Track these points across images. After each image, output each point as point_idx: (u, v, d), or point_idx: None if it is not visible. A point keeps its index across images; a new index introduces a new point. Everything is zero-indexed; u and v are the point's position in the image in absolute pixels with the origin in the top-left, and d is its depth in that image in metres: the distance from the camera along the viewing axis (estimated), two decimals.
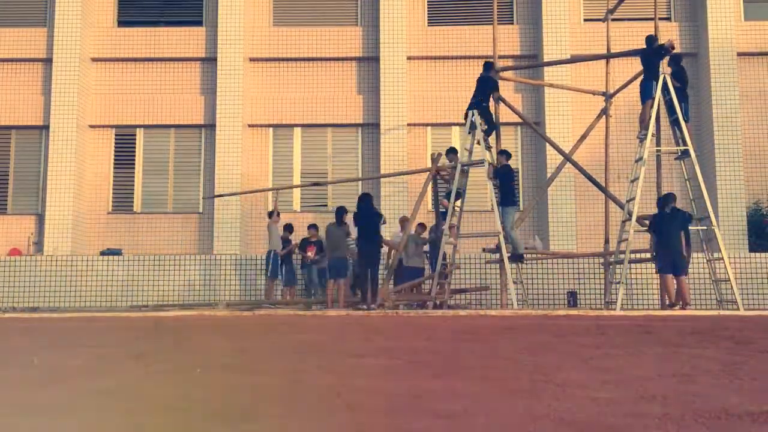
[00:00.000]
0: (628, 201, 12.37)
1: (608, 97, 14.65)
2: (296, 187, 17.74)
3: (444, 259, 13.02)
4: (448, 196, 13.32)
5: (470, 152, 13.40)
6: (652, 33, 13.23)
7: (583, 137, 14.57)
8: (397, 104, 17.92)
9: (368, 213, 12.43)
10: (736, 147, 17.27)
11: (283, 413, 2.76)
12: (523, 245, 12.81)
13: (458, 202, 13.37)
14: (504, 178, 12.78)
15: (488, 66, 13.54)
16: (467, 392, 3.18)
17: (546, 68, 17.37)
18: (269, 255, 14.22)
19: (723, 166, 17.17)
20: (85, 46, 18.45)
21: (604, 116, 14.79)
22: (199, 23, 19.03)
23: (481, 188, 16.22)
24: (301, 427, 2.53)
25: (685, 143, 12.21)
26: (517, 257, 12.52)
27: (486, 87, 13.36)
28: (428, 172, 14.01)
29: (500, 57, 16.00)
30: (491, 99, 13.65)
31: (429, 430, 2.48)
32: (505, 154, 13.19)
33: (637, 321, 7.74)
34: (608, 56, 14.91)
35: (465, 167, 13.23)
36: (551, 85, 16.27)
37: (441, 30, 18.71)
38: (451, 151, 13.82)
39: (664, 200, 12.07)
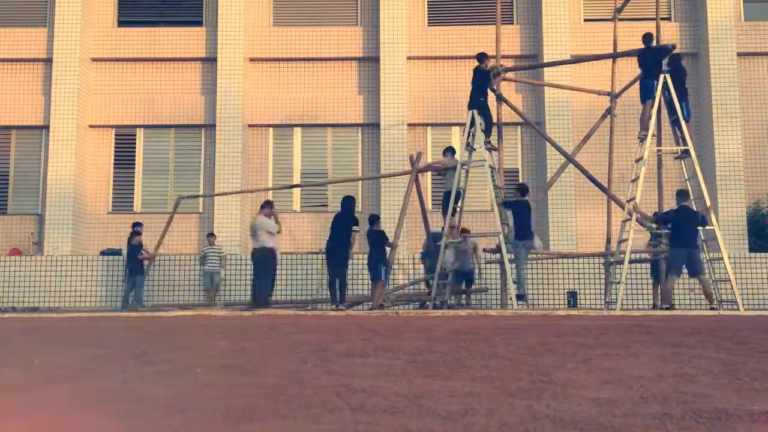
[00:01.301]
0: (628, 201, 12.37)
1: (613, 96, 14.60)
2: (289, 188, 17.71)
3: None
4: (447, 196, 13.29)
5: (470, 152, 13.38)
6: (656, 31, 13.18)
7: (587, 137, 14.54)
8: (397, 104, 17.92)
9: (346, 217, 12.29)
10: (736, 147, 17.28)
11: (283, 413, 2.76)
12: (525, 286, 12.40)
13: (458, 203, 13.33)
14: (515, 211, 12.55)
15: (482, 57, 13.42)
16: (467, 392, 3.18)
17: (546, 68, 17.36)
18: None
19: (723, 166, 17.17)
20: (85, 46, 18.45)
21: (608, 116, 14.73)
22: (199, 23, 19.03)
23: (481, 188, 16.23)
24: (301, 427, 2.53)
25: (685, 143, 12.20)
26: (519, 297, 11.99)
27: (485, 79, 13.25)
28: (411, 174, 13.84)
29: (501, 57, 15.99)
30: (491, 96, 13.59)
31: (429, 430, 2.48)
32: (521, 189, 12.91)
33: (637, 321, 7.74)
34: (609, 56, 14.90)
35: (465, 167, 13.20)
36: (555, 86, 16.24)
37: (441, 30, 18.71)
38: (449, 150, 13.75)
39: (680, 196, 11.81)
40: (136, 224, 15.34)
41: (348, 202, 12.50)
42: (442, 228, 13.31)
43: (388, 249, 12.76)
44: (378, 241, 12.52)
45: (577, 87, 15.91)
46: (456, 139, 17.80)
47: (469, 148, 13.33)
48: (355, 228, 12.12)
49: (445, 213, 12.97)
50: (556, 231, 17.16)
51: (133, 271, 14.63)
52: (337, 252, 12.08)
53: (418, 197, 14.25)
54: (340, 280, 12.10)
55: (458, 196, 13.15)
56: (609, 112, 14.55)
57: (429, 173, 17.19)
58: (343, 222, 12.16)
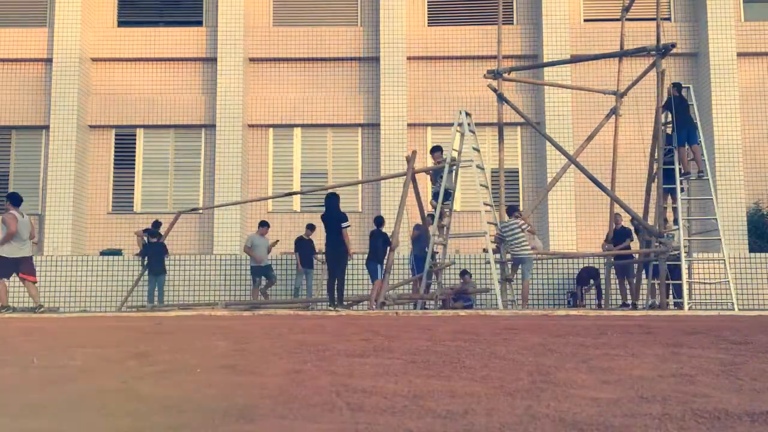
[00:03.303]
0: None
1: (619, 95, 14.55)
2: (289, 195, 17.69)
3: (433, 258, 13.02)
4: (435, 196, 13.30)
5: (459, 152, 13.41)
6: (655, 34, 13.09)
7: (591, 137, 14.52)
8: (397, 104, 17.92)
9: (332, 215, 12.19)
10: (736, 147, 17.28)
11: (283, 413, 2.75)
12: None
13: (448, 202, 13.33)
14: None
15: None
16: (467, 392, 3.18)
17: (547, 68, 17.36)
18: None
19: (723, 166, 17.17)
20: (85, 46, 18.46)
21: (612, 116, 14.70)
22: (199, 23, 19.04)
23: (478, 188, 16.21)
24: (301, 427, 2.53)
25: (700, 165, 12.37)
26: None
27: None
28: (407, 174, 13.74)
29: (501, 57, 15.98)
30: (491, 95, 13.63)
31: (429, 430, 2.48)
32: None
33: (637, 321, 7.74)
34: (611, 55, 14.91)
35: (453, 167, 13.19)
36: (559, 86, 16.23)
37: (441, 30, 18.72)
38: (436, 149, 13.70)
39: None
40: (156, 224, 15.30)
41: (332, 199, 12.36)
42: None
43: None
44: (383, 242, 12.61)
45: (581, 86, 15.91)
46: (456, 139, 17.80)
47: (458, 147, 13.36)
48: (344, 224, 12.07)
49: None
50: (556, 231, 17.16)
51: (156, 271, 14.61)
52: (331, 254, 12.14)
53: (416, 197, 14.20)
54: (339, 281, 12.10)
55: (447, 196, 13.14)
56: (614, 111, 14.47)
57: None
58: (331, 222, 12.09)
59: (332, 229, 11.93)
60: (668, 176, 12.37)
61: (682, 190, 12.39)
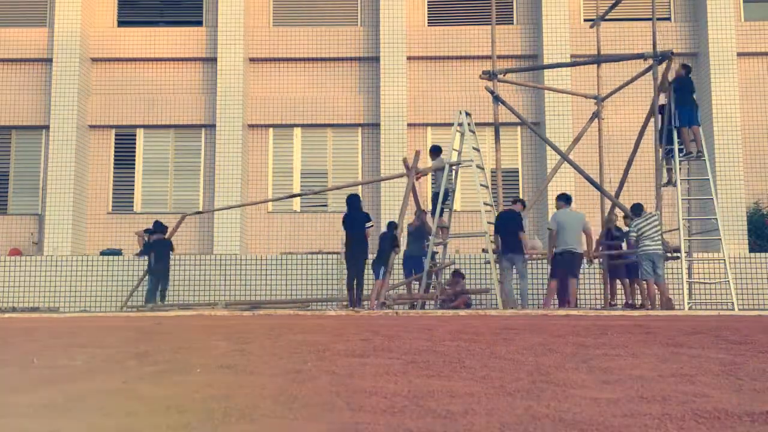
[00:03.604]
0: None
1: (600, 100, 14.59)
2: (290, 197, 17.66)
3: (432, 258, 13.03)
4: (435, 197, 13.30)
5: (459, 152, 13.41)
6: (652, 35, 13.08)
7: (577, 139, 14.61)
8: (397, 104, 17.92)
9: (358, 215, 12.37)
10: (736, 147, 17.28)
11: (283, 413, 2.75)
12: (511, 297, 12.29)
13: (446, 202, 13.33)
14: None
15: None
16: (467, 392, 3.18)
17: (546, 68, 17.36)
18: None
19: (723, 166, 17.17)
20: (85, 46, 18.46)
21: (596, 119, 14.73)
22: (199, 23, 19.04)
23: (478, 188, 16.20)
24: (301, 427, 2.53)
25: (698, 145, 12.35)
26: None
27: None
28: (408, 178, 13.66)
29: (500, 57, 15.99)
30: (488, 96, 13.62)
31: (429, 430, 2.48)
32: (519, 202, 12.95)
33: (637, 321, 7.73)
34: (606, 60, 14.94)
35: (453, 167, 13.18)
36: (545, 88, 16.32)
37: (441, 30, 18.72)
38: (434, 150, 13.69)
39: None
40: (157, 224, 15.23)
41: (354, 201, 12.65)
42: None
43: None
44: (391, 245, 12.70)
45: (565, 90, 16.02)
46: (456, 138, 17.79)
47: (458, 148, 13.36)
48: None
49: (433, 214, 13.00)
50: None
51: (155, 271, 14.52)
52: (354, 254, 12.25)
53: (415, 202, 14.17)
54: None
55: (446, 195, 13.14)
56: (596, 115, 14.51)
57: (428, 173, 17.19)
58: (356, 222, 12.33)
59: (356, 228, 12.09)
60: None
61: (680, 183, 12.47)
